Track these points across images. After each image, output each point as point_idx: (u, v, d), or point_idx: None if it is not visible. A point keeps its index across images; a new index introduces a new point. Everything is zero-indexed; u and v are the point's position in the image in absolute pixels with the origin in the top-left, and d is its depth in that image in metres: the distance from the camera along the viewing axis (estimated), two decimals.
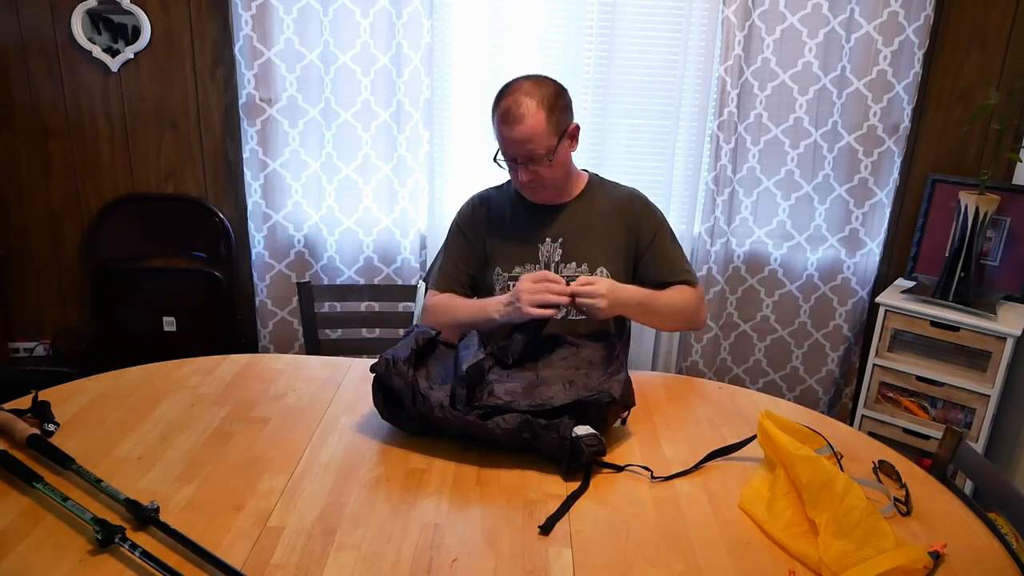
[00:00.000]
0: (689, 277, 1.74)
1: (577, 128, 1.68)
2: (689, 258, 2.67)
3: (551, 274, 1.57)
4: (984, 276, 2.54)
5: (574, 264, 1.72)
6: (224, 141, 2.68)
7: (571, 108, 1.67)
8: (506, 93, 1.62)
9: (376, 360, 1.37)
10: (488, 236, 1.77)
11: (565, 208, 1.75)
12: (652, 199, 1.81)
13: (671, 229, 1.79)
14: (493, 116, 1.64)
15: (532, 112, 1.58)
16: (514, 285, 1.60)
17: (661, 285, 1.71)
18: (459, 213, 1.83)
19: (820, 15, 2.43)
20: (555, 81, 1.66)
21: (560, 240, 1.73)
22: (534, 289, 1.53)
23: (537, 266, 1.72)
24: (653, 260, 1.74)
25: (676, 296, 1.71)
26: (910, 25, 2.41)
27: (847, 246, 2.67)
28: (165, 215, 2.75)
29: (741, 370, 2.86)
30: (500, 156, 1.68)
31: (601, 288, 1.55)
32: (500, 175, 1.88)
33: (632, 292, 1.64)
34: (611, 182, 1.82)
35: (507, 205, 1.79)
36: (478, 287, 1.80)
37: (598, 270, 1.71)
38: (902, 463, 1.35)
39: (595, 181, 1.80)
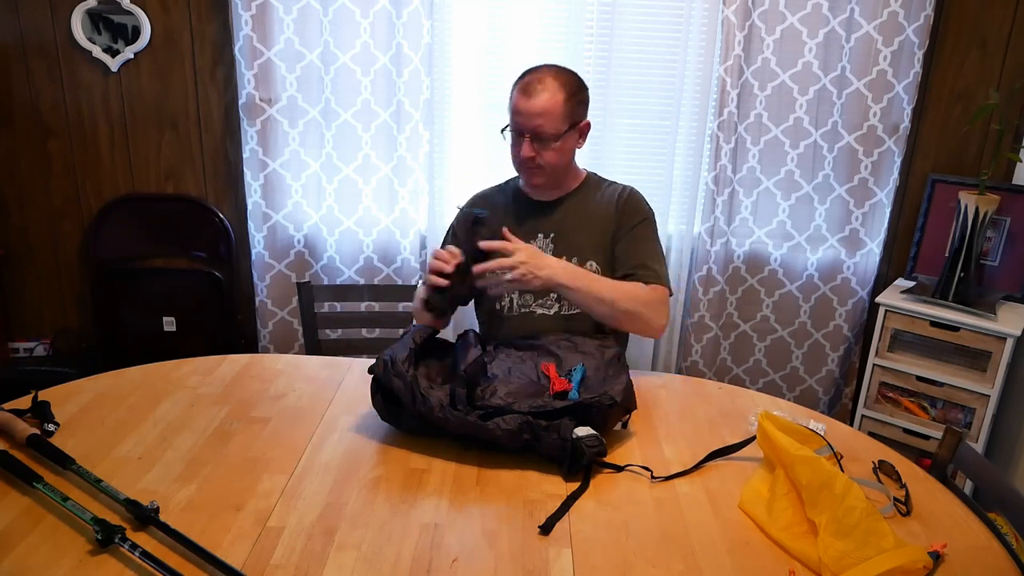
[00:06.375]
0: (651, 276, 1.67)
1: (588, 126, 1.72)
2: (689, 258, 2.69)
3: (438, 250, 1.60)
4: (984, 276, 2.53)
5: (564, 258, 1.72)
6: (224, 141, 2.68)
7: (587, 105, 1.71)
8: (532, 70, 1.67)
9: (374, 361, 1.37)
10: None
11: (560, 203, 1.76)
12: (651, 199, 1.80)
13: (655, 228, 1.75)
14: (512, 89, 1.67)
15: (552, 91, 1.62)
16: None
17: (625, 276, 1.68)
18: (457, 213, 1.83)
19: (820, 15, 2.43)
20: (580, 76, 1.70)
21: (552, 235, 1.74)
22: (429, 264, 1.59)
23: None
24: (624, 248, 1.71)
25: (624, 287, 1.63)
26: (910, 25, 2.41)
27: (847, 246, 2.66)
28: (165, 215, 2.75)
29: (741, 370, 2.86)
30: (508, 129, 1.69)
31: (521, 255, 1.53)
32: (500, 176, 1.89)
33: (557, 261, 1.61)
34: (608, 180, 1.83)
35: (506, 201, 1.80)
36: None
37: (587, 263, 1.71)
38: (902, 463, 1.35)
39: (593, 178, 1.81)
